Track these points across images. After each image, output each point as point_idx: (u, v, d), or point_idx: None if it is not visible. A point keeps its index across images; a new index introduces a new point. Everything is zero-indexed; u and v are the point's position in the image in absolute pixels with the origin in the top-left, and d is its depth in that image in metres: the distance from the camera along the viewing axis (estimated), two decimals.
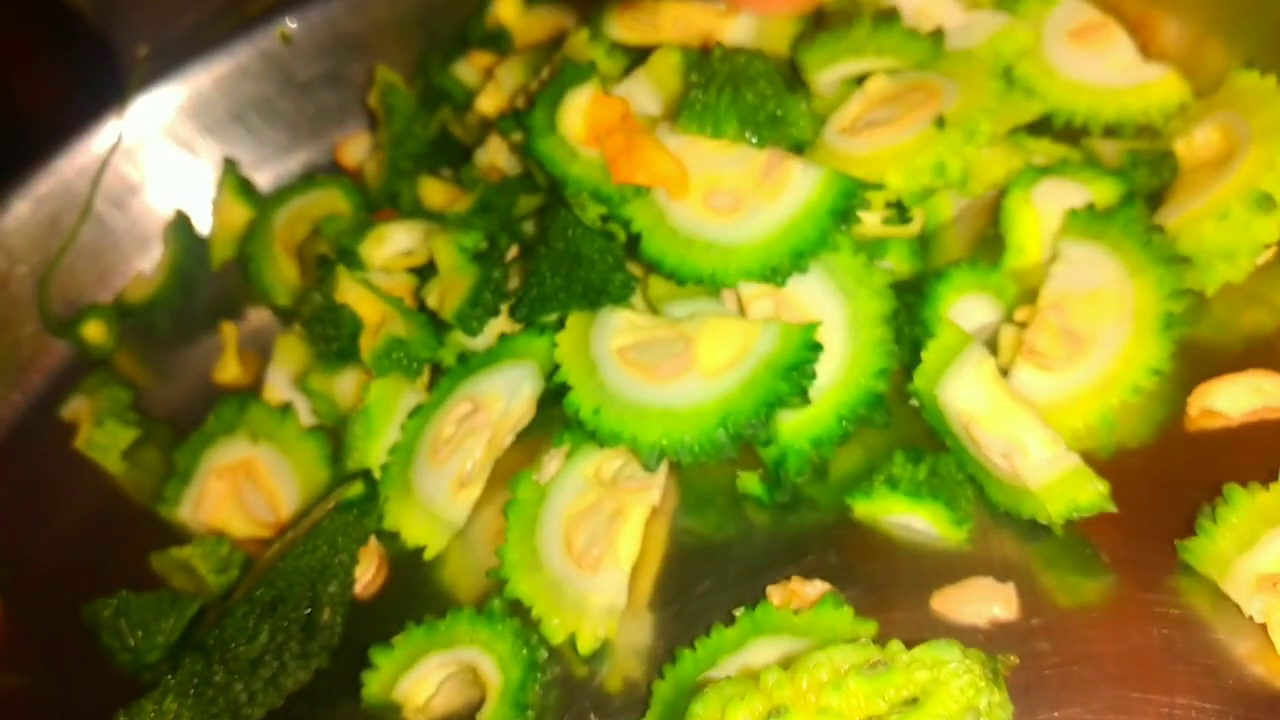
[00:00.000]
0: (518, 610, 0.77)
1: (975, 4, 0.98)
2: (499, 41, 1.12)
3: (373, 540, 0.84)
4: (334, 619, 0.78)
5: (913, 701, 0.58)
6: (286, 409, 0.91)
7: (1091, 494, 0.69)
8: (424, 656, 0.76)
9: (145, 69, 1.18)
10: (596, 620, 0.75)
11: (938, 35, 0.92)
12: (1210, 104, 0.89)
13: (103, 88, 1.21)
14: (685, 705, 0.59)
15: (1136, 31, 0.96)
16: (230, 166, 1.17)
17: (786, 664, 0.61)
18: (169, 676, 0.74)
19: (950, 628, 0.70)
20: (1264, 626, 0.65)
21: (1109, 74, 0.95)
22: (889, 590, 0.73)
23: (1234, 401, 0.76)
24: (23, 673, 0.89)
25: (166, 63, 1.19)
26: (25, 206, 1.13)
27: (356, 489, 0.83)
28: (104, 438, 1.00)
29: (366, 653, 0.77)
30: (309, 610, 0.77)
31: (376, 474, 0.86)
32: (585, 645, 0.75)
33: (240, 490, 0.90)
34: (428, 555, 0.83)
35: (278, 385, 0.96)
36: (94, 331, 1.10)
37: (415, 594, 0.82)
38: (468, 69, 1.12)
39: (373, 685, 0.76)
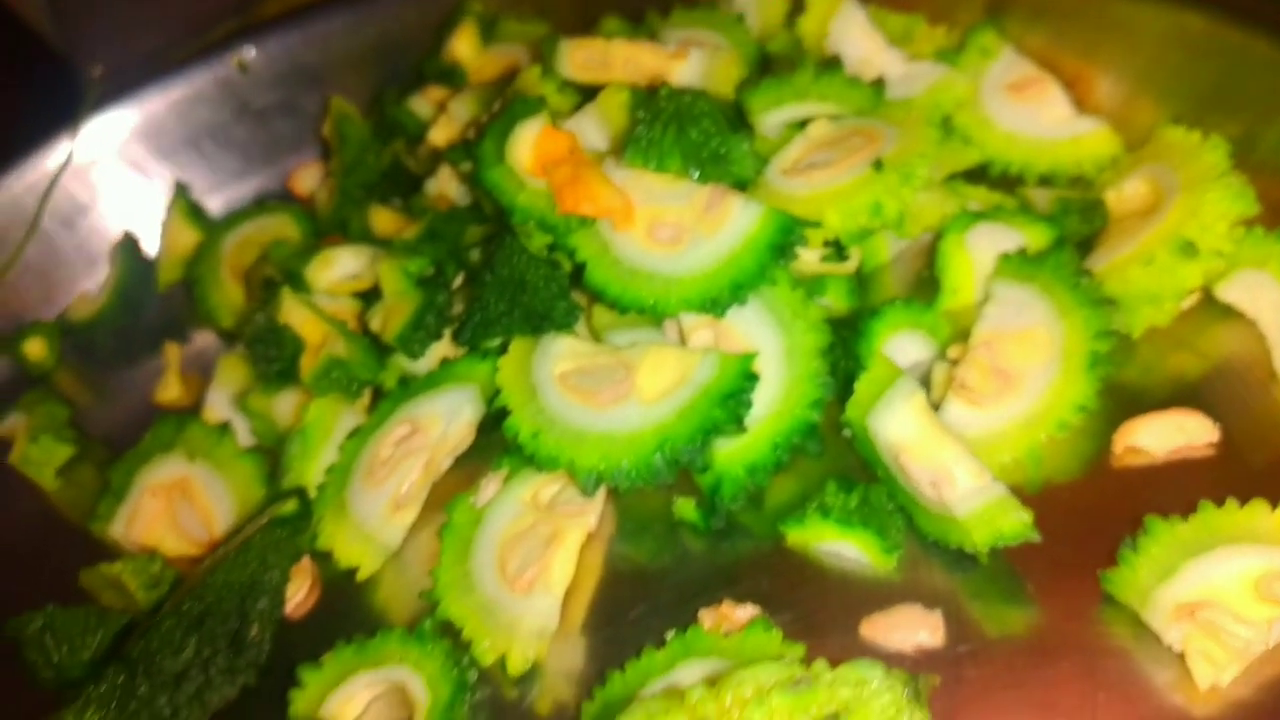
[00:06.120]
0: (449, 631, 0.77)
1: (916, 55, 1.02)
2: (454, 77, 1.14)
3: (306, 560, 0.84)
4: (262, 635, 0.78)
5: (835, 718, 0.59)
6: (224, 428, 0.91)
7: (1016, 523, 0.71)
8: (352, 675, 0.75)
9: (100, 90, 1.18)
10: (527, 642, 0.75)
11: (879, 84, 0.95)
12: (1140, 157, 0.92)
13: (58, 107, 1.20)
14: None
15: (1071, 87, 1.00)
16: (181, 190, 1.18)
17: (712, 682, 0.62)
18: (90, 686, 0.73)
19: (878, 653, 0.71)
20: (1182, 655, 0.67)
21: (1044, 127, 0.98)
22: (819, 616, 0.74)
23: (1157, 439, 0.78)
24: None
25: (122, 85, 1.20)
26: None
27: (290, 506, 0.82)
28: (39, 454, 0.99)
29: (295, 672, 0.76)
30: (237, 625, 0.76)
31: (312, 493, 0.86)
32: (515, 667, 0.75)
33: (174, 508, 0.89)
34: (361, 576, 0.83)
35: (217, 405, 0.95)
36: (35, 349, 1.10)
37: (347, 615, 0.82)
38: (422, 102, 1.13)
39: (300, 704, 0.75)
